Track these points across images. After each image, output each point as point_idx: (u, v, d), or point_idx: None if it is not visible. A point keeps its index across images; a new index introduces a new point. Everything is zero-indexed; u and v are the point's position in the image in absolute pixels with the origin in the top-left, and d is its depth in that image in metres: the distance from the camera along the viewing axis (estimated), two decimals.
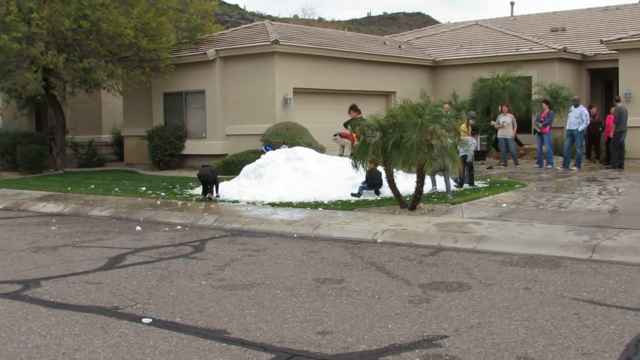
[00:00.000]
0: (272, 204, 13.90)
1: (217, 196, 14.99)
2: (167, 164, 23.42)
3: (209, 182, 15.02)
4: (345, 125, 19.23)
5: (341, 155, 18.53)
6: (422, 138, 11.48)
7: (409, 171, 12.46)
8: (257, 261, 9.02)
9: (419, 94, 25.49)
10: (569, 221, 10.93)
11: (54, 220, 13.57)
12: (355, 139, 19.03)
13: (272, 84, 21.44)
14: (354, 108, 19.27)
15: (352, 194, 14.30)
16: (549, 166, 20.46)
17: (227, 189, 15.59)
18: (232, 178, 16.74)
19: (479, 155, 21.44)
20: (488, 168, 21.06)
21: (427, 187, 14.10)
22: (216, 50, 22.43)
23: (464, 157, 14.97)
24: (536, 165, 20.89)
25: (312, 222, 11.65)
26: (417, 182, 12.39)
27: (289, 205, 13.75)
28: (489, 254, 9.14)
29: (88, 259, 9.46)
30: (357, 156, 12.50)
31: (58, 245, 10.61)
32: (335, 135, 19.56)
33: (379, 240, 10.31)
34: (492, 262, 8.61)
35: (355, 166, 12.68)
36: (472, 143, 15.92)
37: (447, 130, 11.64)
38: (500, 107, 22.08)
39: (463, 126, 16.21)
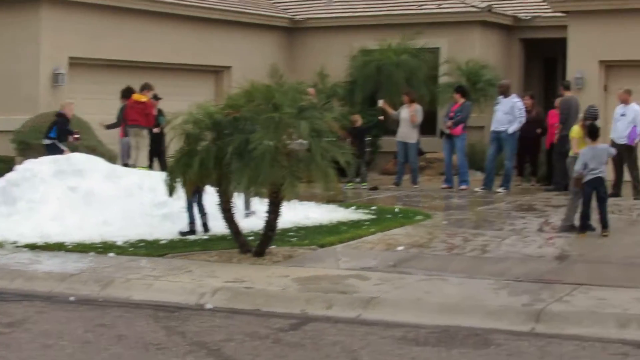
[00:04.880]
0: (33, 246, 13.64)
1: None
2: None
3: None
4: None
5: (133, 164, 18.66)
6: (279, 143, 11.57)
7: (257, 194, 12.52)
8: (11, 343, 8.72)
9: (268, 70, 25.72)
10: (500, 273, 11.32)
11: None
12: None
13: (34, 49, 21.40)
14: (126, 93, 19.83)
15: (182, 233, 14.32)
16: (462, 186, 21.09)
17: None
18: None
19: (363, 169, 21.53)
20: (371, 189, 21.32)
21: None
22: None
23: (593, 181, 13.74)
24: (444, 185, 21.52)
25: (99, 277, 11.47)
26: (268, 211, 12.43)
27: (60, 247, 13.51)
28: (381, 326, 9.25)
29: None
30: (176, 170, 12.46)
31: None
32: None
33: (209, 306, 10.27)
34: (388, 340, 8.72)
35: (171, 187, 12.61)
36: (605, 152, 14.22)
37: (319, 132, 11.73)
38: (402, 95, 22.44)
39: (577, 129, 14.96)
